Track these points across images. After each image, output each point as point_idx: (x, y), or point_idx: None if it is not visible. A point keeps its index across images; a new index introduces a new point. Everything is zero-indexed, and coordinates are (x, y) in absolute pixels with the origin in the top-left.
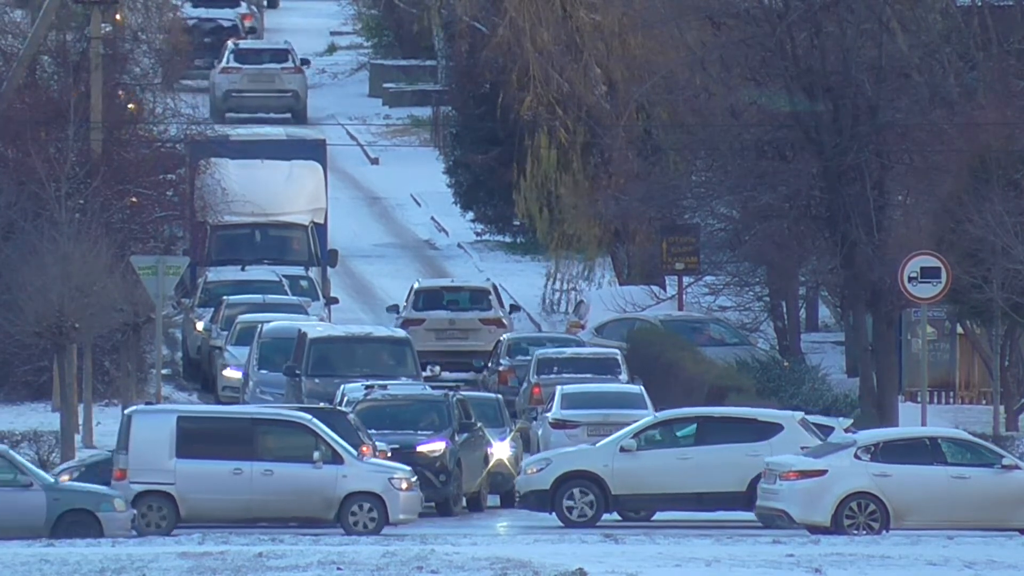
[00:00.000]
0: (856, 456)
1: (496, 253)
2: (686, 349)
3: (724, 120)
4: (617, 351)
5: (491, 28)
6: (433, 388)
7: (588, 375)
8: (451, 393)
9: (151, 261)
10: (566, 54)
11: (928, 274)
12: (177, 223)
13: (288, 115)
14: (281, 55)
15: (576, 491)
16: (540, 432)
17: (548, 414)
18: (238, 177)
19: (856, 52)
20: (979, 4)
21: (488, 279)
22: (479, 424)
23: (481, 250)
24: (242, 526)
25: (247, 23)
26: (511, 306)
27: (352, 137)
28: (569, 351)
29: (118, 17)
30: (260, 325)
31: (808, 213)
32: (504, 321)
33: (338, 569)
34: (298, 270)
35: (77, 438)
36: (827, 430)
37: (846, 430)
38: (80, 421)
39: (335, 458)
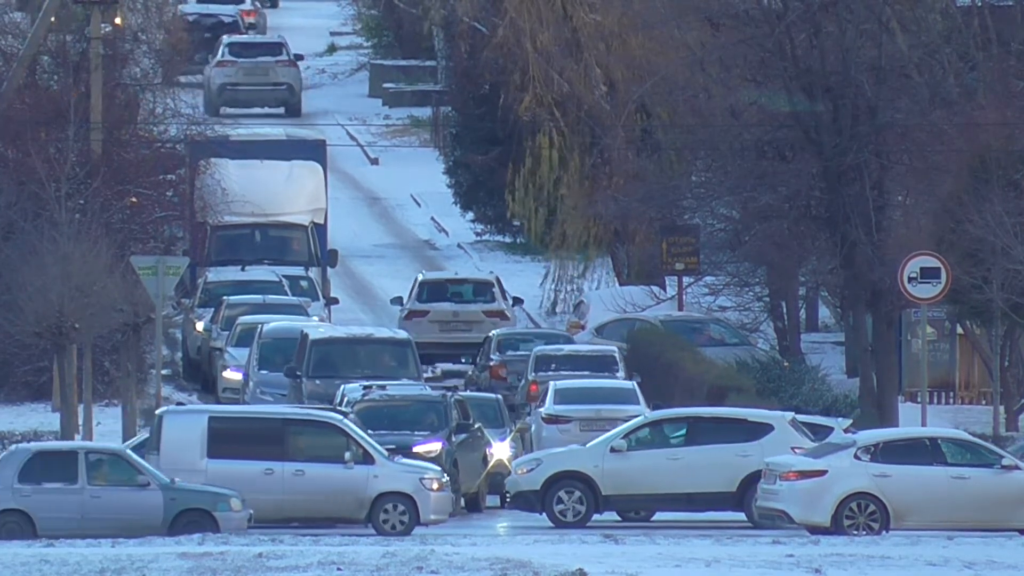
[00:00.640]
0: (856, 456)
1: (496, 253)
2: (686, 349)
3: (724, 120)
4: (615, 348)
5: (491, 28)
6: (433, 388)
7: (586, 372)
8: (449, 394)
9: (151, 261)
10: (566, 54)
11: (928, 274)
12: (177, 223)
13: (282, 109)
14: (275, 48)
15: (566, 492)
16: (533, 428)
17: (541, 409)
18: (238, 177)
19: (856, 52)
20: (979, 4)
21: (491, 271)
22: (478, 424)
23: (481, 250)
24: (274, 526)
25: (247, 19)
26: (514, 299)
27: (352, 137)
28: (567, 348)
29: (118, 20)
30: (260, 325)
31: (808, 213)
32: (507, 314)
33: (338, 569)
34: (298, 270)
35: (77, 438)
36: (827, 430)
37: (846, 430)
38: (80, 421)
39: (366, 458)
